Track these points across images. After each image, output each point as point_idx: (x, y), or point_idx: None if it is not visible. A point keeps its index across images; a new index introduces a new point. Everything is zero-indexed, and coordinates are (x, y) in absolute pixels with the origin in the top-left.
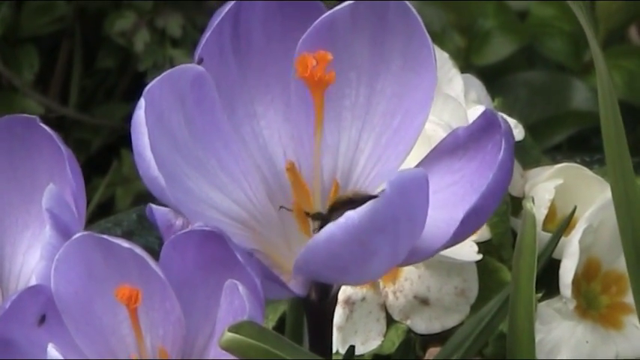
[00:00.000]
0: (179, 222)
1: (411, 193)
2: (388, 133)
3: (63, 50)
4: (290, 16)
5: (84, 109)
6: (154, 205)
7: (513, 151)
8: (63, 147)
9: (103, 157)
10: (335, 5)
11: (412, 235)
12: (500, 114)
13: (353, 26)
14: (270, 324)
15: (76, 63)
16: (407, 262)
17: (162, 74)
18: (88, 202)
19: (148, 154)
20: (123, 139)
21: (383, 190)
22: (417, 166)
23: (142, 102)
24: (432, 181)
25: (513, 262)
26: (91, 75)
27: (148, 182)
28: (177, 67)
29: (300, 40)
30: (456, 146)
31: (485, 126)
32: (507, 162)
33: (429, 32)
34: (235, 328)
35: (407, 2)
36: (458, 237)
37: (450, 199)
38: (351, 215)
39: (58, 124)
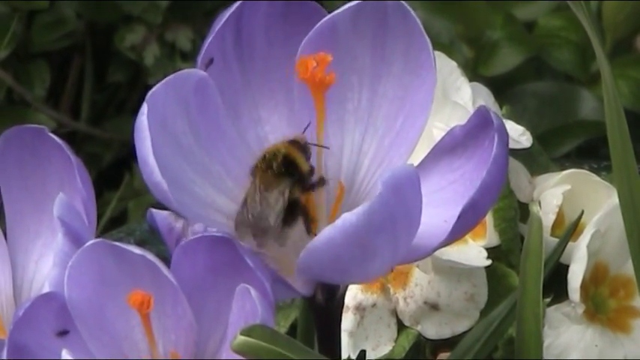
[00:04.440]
0: (179, 225)
1: (405, 190)
2: (391, 135)
3: (74, 65)
4: (292, 20)
5: (95, 123)
6: (154, 210)
7: (507, 146)
8: (72, 156)
9: (115, 171)
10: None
11: (410, 230)
12: (494, 112)
13: (354, 30)
14: (281, 330)
15: (87, 77)
16: (408, 260)
17: (166, 79)
18: (101, 217)
19: (151, 160)
20: (134, 153)
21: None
22: (418, 166)
23: (144, 107)
24: (434, 179)
25: (520, 264)
26: (102, 89)
27: (152, 187)
28: (180, 72)
29: (302, 44)
30: (455, 145)
31: (481, 123)
32: (501, 157)
33: (437, 44)
34: (247, 332)
35: (406, 5)
36: (456, 233)
37: (451, 197)
38: (348, 217)
39: (70, 138)
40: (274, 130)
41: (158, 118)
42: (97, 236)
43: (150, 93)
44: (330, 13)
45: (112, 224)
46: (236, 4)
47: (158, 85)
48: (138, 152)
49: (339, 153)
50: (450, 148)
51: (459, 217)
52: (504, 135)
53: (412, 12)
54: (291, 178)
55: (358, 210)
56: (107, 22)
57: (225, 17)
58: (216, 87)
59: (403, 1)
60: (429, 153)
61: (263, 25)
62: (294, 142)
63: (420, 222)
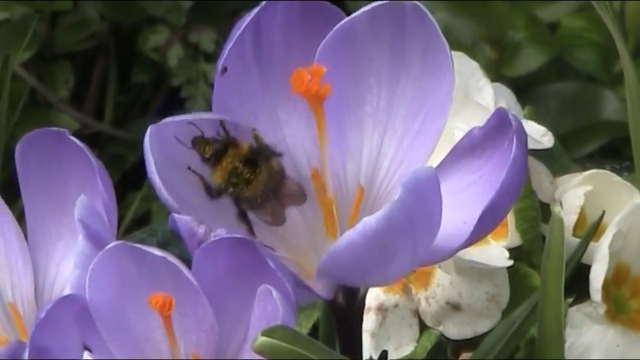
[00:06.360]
0: (201, 230)
1: (425, 192)
2: (409, 136)
3: (97, 66)
4: (310, 23)
5: (119, 124)
6: (176, 215)
7: (526, 147)
8: (93, 159)
9: (138, 172)
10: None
11: (430, 233)
12: (513, 113)
13: (372, 32)
14: (303, 331)
15: (110, 79)
16: (430, 262)
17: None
18: (124, 218)
19: (157, 180)
20: None
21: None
22: (437, 167)
23: (149, 131)
24: (453, 181)
25: (542, 265)
26: (125, 90)
27: (163, 202)
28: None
29: (320, 47)
30: (474, 146)
31: (500, 125)
32: (520, 158)
33: (459, 45)
34: (268, 332)
35: (423, 7)
36: (476, 235)
37: (470, 198)
38: (368, 221)
39: (93, 139)
40: (293, 133)
41: (164, 150)
42: (120, 237)
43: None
44: (349, 13)
45: (135, 225)
46: (255, 10)
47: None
48: (147, 170)
49: (358, 155)
50: (468, 149)
51: (478, 220)
52: (523, 136)
53: (429, 13)
54: (260, 164)
55: (378, 214)
56: (131, 24)
57: (244, 23)
58: (232, 92)
59: (420, 2)
60: (447, 154)
61: (281, 27)
62: (229, 143)
63: (440, 224)
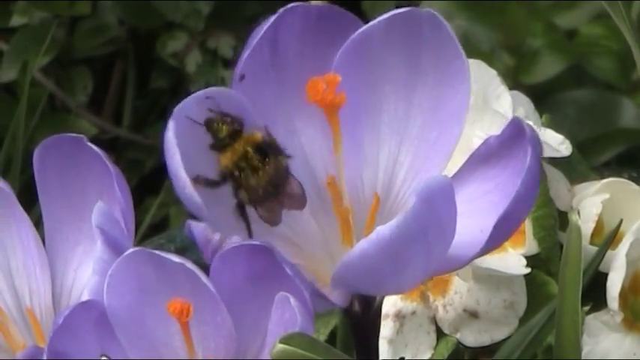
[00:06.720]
0: (217, 237)
1: (439, 201)
2: (426, 145)
3: (116, 71)
4: (327, 31)
5: (137, 129)
6: (192, 222)
7: (540, 157)
8: (111, 165)
9: (156, 177)
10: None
11: (444, 241)
12: (528, 123)
13: (388, 41)
14: (321, 338)
15: (129, 84)
16: (445, 270)
17: (191, 96)
18: (141, 223)
19: (182, 175)
20: None
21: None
22: (454, 175)
23: (170, 124)
24: (469, 189)
25: (559, 273)
26: (143, 96)
27: (185, 200)
28: (208, 89)
29: (337, 56)
30: (490, 154)
31: (515, 134)
32: (534, 168)
33: (478, 52)
34: (286, 340)
35: (439, 15)
36: (491, 244)
37: (486, 206)
38: (381, 230)
39: (112, 144)
40: (310, 141)
41: (187, 131)
42: (138, 243)
43: (176, 109)
44: (364, 13)
45: (153, 230)
46: (273, 18)
47: (186, 100)
48: (168, 167)
49: (374, 163)
50: (485, 157)
51: (493, 229)
52: (538, 146)
53: (445, 22)
54: (269, 155)
55: (392, 223)
56: (149, 29)
57: (262, 30)
58: (249, 99)
59: (438, 9)
60: (464, 162)
61: (298, 35)
62: (234, 134)
63: (454, 233)
